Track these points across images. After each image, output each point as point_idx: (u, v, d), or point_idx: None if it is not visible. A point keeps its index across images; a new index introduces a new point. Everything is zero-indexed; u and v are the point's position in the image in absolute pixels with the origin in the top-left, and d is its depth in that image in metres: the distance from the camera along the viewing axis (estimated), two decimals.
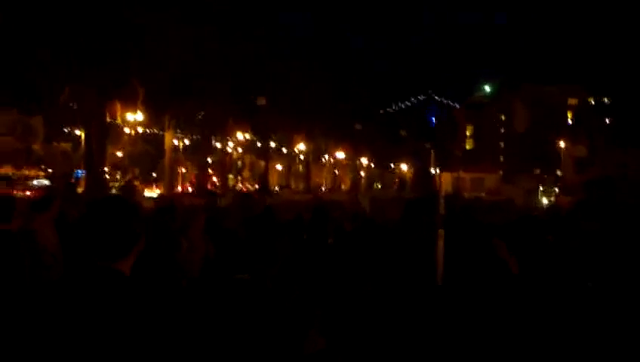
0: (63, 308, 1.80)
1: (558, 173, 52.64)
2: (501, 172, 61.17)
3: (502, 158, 72.42)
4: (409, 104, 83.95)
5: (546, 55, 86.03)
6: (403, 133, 72.43)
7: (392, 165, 79.41)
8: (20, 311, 2.17)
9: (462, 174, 54.07)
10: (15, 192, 27.95)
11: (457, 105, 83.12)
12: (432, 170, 61.61)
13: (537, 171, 53.51)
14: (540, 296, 4.04)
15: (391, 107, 79.52)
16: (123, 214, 1.93)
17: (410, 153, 69.59)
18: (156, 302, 1.91)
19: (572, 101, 67.53)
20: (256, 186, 45.81)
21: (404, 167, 77.16)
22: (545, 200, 35.86)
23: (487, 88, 78.23)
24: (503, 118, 75.40)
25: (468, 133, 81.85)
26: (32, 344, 1.81)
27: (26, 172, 43.20)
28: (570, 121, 66.57)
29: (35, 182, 38.36)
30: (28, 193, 28.42)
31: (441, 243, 4.63)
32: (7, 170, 42.28)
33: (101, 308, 1.77)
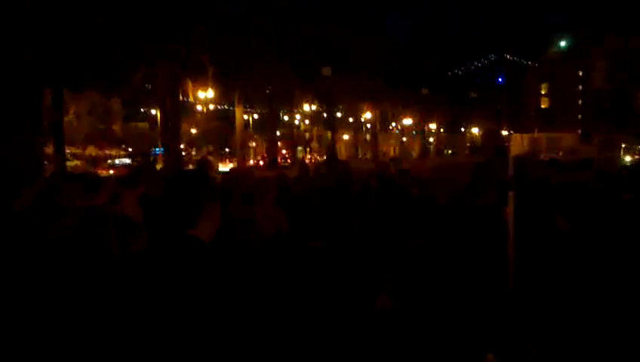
0: (149, 276, 1.97)
1: None
2: (579, 130, 58.25)
3: (580, 117, 68.84)
4: (479, 65, 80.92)
5: (627, 2, 79.88)
6: (473, 94, 70.03)
7: (463, 129, 77.25)
8: (109, 283, 2.42)
9: (537, 134, 51.92)
10: (100, 171, 29.77)
11: (530, 63, 79.28)
12: (505, 132, 59.53)
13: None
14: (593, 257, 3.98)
15: (459, 69, 77.01)
16: (190, 186, 2.08)
17: (482, 116, 67.35)
18: (231, 265, 2.06)
19: None
20: (324, 157, 46.17)
21: (475, 130, 74.94)
22: (628, 158, 33.90)
23: (563, 43, 73.97)
24: (580, 73, 71.33)
25: (543, 92, 78.13)
26: (125, 310, 2.00)
27: (108, 151, 45.69)
28: None
29: (116, 160, 40.52)
30: (111, 171, 30.16)
31: (511, 206, 4.57)
32: (91, 150, 44.88)
33: (179, 272, 1.92)
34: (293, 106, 42.64)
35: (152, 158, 33.94)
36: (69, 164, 29.48)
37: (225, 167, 33.25)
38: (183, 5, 24.17)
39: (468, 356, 2.77)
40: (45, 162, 19.07)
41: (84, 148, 43.75)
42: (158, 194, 2.33)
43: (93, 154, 44.35)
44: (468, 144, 76.36)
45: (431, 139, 72.30)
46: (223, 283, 1.96)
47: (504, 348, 2.93)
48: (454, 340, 3.43)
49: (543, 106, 76.58)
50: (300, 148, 53.25)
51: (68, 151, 31.93)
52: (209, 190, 2.12)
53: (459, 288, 3.86)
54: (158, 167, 25.38)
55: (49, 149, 23.48)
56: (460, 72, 75.90)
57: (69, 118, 35.84)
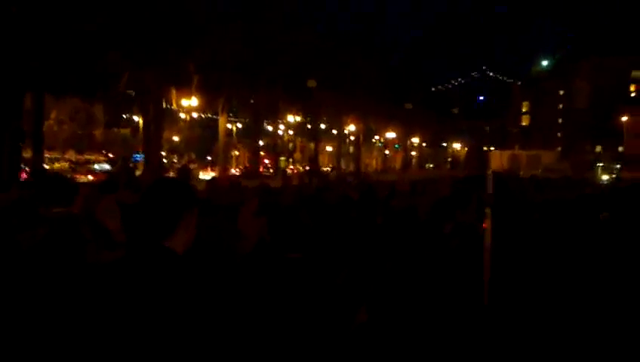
0: (121, 286, 1.92)
1: (620, 149, 50.47)
2: (559, 148, 59.19)
3: (559, 135, 69.96)
4: (462, 81, 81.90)
5: (608, 26, 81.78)
6: (455, 110, 70.94)
7: (445, 144, 78.07)
8: (82, 290, 2.38)
9: (517, 151, 52.61)
10: (78, 176, 29.40)
11: (512, 81, 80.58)
12: (486, 148, 60.21)
13: (598, 148, 51.44)
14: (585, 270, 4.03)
15: (443, 85, 77.94)
16: (166, 195, 2.03)
17: (463, 131, 68.17)
18: (206, 277, 2.00)
19: (636, 73, 64.29)
20: (307, 168, 46.26)
21: (457, 146, 75.79)
22: (605, 177, 34.49)
23: (545, 62, 75.34)
24: (561, 92, 72.59)
25: (524, 110, 79.35)
26: (93, 320, 1.95)
27: (87, 156, 45.21)
28: (633, 94, 63.47)
29: (96, 166, 40.08)
30: (90, 177, 29.81)
31: (488, 222, 4.62)
32: (71, 155, 44.36)
33: (151, 284, 1.88)
34: (277, 117, 42.70)
35: (132, 165, 33.59)
36: (47, 167, 29.07)
37: (206, 175, 33.07)
38: (168, 13, 24.12)
39: None
40: (23, 166, 18.80)
41: (64, 153, 43.25)
42: (135, 201, 2.29)
43: (73, 159, 43.84)
44: (449, 159, 77.15)
45: (413, 153, 72.90)
46: (195, 294, 1.92)
47: None
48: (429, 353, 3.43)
49: (523, 124, 77.72)
50: (282, 158, 53.26)
51: (47, 155, 31.51)
52: (186, 199, 2.06)
53: (434, 302, 3.88)
54: (138, 173, 25.20)
55: (27, 153, 23.16)
56: (443, 88, 76.80)
57: (50, 122, 35.44)
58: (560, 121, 72.48)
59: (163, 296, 1.88)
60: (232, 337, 2.03)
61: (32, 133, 22.71)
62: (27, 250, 2.87)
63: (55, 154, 40.48)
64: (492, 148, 54.26)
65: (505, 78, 78.12)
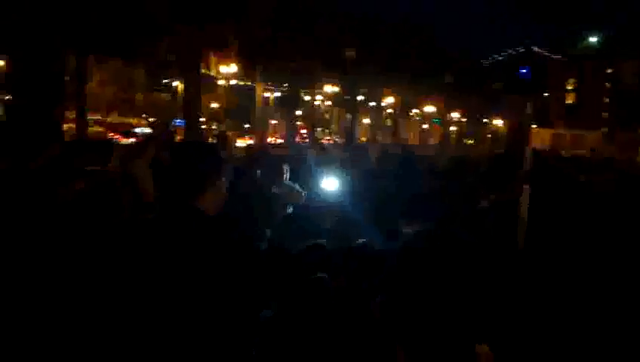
0: (152, 244, 1.99)
1: None
2: (605, 129, 57.29)
3: (606, 115, 67.61)
4: (505, 55, 79.76)
5: None
6: (498, 86, 69.20)
7: (486, 120, 76.41)
8: (114, 246, 2.44)
9: (561, 130, 51.15)
10: (119, 138, 30.12)
11: (558, 57, 78.01)
12: (528, 125, 58.50)
13: None
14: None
15: (485, 59, 75.93)
16: (194, 157, 2.09)
17: (505, 107, 66.53)
18: (235, 240, 2.04)
19: None
20: (343, 139, 46.07)
21: (498, 122, 74.10)
22: None
23: (592, 39, 72.51)
24: (609, 70, 69.87)
25: (569, 87, 76.81)
26: (122, 278, 2.03)
27: (130, 120, 46.14)
28: None
29: (137, 129, 40.90)
30: (131, 139, 30.47)
31: (525, 199, 4.51)
32: (113, 118, 45.34)
33: (180, 242, 1.93)
34: (314, 87, 42.49)
35: (172, 129, 34.16)
36: (90, 130, 29.80)
37: (244, 142, 33.35)
38: None
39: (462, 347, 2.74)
40: (66, 126, 19.33)
41: (106, 115, 44.20)
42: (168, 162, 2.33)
43: (115, 121, 44.80)
44: (489, 135, 75.57)
45: (453, 128, 71.67)
46: (223, 256, 1.94)
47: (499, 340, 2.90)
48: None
49: (568, 102, 75.35)
50: (319, 129, 53.16)
51: (90, 117, 32.25)
52: (214, 162, 2.10)
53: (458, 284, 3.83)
54: (178, 138, 25.60)
55: (71, 114, 23.75)
56: (485, 63, 74.88)
57: (93, 85, 36.14)
58: (606, 100, 69.96)
59: (191, 255, 1.91)
60: (251, 302, 2.04)
61: (75, 95, 23.25)
62: (64, 203, 2.97)
63: (97, 116, 41.44)
64: (534, 126, 52.92)
65: (550, 54, 75.73)
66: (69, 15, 15.82)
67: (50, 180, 3.23)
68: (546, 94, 69.26)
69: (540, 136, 41.20)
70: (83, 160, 4.21)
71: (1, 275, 2.49)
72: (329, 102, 52.70)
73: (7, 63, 14.71)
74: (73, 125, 23.82)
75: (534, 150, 5.93)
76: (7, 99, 13.84)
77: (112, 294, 2.22)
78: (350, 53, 35.52)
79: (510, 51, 71.58)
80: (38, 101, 12.46)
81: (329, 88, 43.59)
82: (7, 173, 3.27)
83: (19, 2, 13.14)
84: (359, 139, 51.97)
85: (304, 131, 49.32)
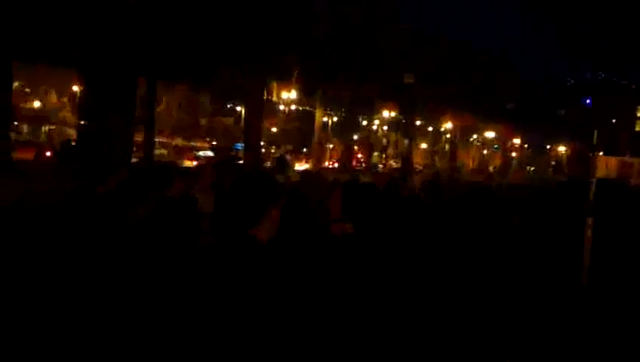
0: (209, 269, 2.07)
1: None
2: None
3: None
4: (571, 81, 77.45)
5: None
6: (562, 112, 67.10)
7: (548, 147, 74.02)
8: (174, 270, 2.61)
9: (628, 158, 48.90)
10: (182, 161, 31.19)
11: (626, 83, 74.94)
12: (592, 153, 56.20)
13: None
14: None
15: (550, 85, 73.90)
16: (252, 189, 2.18)
17: (569, 134, 64.28)
18: (288, 267, 2.14)
19: None
20: (395, 164, 45.81)
21: (561, 149, 71.67)
22: None
23: None
24: None
25: (638, 114, 73.42)
26: (183, 297, 2.11)
27: (193, 143, 47.71)
28: None
29: (200, 152, 42.24)
30: (194, 163, 31.55)
31: (589, 232, 4.40)
32: (178, 141, 47.05)
33: (235, 269, 2.01)
34: (373, 112, 42.71)
35: (233, 153, 35.08)
36: (156, 152, 31.09)
37: (301, 166, 33.84)
38: (275, 10, 24.97)
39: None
40: (134, 148, 20.31)
41: (172, 138, 45.93)
42: (228, 189, 2.50)
43: (180, 145, 46.46)
44: (552, 162, 73.13)
45: (513, 154, 69.87)
46: (276, 283, 2.06)
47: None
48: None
49: (637, 129, 71.96)
50: (375, 153, 53.14)
51: (157, 140, 33.66)
52: (272, 192, 2.22)
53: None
54: (239, 161, 26.33)
55: (139, 137, 24.90)
56: (550, 89, 72.87)
57: (160, 109, 37.79)
58: None
59: (245, 282, 2.02)
60: (305, 327, 2.16)
61: (144, 119, 24.42)
62: (132, 227, 3.28)
63: (163, 139, 43.16)
64: (600, 153, 50.77)
65: (617, 80, 72.89)
66: (140, 42, 16.80)
67: (118, 204, 3.54)
68: (614, 120, 66.55)
69: (606, 164, 39.53)
70: (148, 184, 4.51)
71: (73, 293, 2.78)
72: (386, 127, 52.72)
73: (81, 89, 15.71)
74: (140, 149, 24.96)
75: (599, 180, 5.76)
76: (82, 123, 14.73)
77: (169, 317, 2.42)
78: (408, 78, 35.60)
79: (575, 77, 69.47)
80: (111, 125, 13.16)
81: (386, 113, 43.69)
82: (78, 194, 3.60)
83: (93, 32, 14.04)
84: (416, 163, 51.55)
85: (360, 156, 49.47)
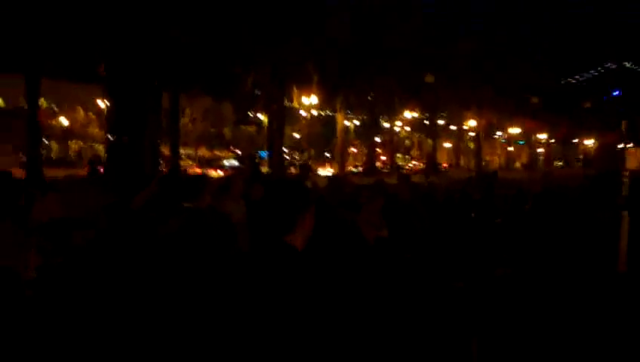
0: (244, 277, 2.09)
1: None
2: None
3: None
4: (595, 73, 75.81)
5: None
6: (587, 105, 65.83)
7: (575, 140, 72.71)
8: (209, 279, 2.65)
9: None
10: (210, 171, 31.55)
11: None
12: (621, 146, 55.08)
13: None
14: None
15: (574, 77, 72.63)
16: (284, 197, 2.17)
17: (596, 127, 63.03)
18: (323, 274, 2.14)
19: None
20: (421, 165, 45.53)
21: (589, 142, 70.35)
22: None
23: None
24: None
25: None
26: (218, 307, 2.14)
27: (217, 153, 48.24)
28: None
29: (225, 162, 42.68)
30: (220, 172, 31.88)
31: (625, 226, 4.37)
32: (202, 151, 47.63)
33: (272, 276, 2.02)
34: (394, 113, 42.57)
35: (257, 160, 35.30)
36: (182, 163, 31.54)
37: (325, 171, 33.91)
38: (291, 15, 25.17)
39: None
40: (160, 161, 20.65)
41: (196, 149, 46.52)
42: (259, 198, 2.54)
43: (205, 155, 47.02)
44: (580, 156, 71.88)
45: (540, 150, 68.83)
46: (313, 290, 2.06)
47: None
48: None
49: None
50: (399, 155, 52.94)
51: (182, 151, 34.13)
52: (305, 199, 2.22)
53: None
54: (264, 170, 26.52)
55: (165, 149, 25.31)
56: (574, 81, 71.55)
57: (185, 120, 38.31)
58: None
59: (282, 289, 2.03)
60: (342, 329, 2.13)
61: (169, 131, 24.81)
62: (163, 239, 3.36)
63: (188, 150, 43.73)
64: (629, 146, 49.41)
65: None
66: (162, 58, 17.12)
67: (151, 218, 3.63)
68: None
69: (633, 155, 38.60)
70: (178, 196, 4.61)
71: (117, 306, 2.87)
72: (408, 128, 52.48)
73: (109, 105, 16.06)
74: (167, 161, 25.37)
75: (632, 173, 5.67)
76: (109, 139, 15.04)
77: (205, 326, 2.46)
78: (429, 78, 35.42)
79: (600, 68, 68.05)
80: (139, 139, 13.41)
81: (408, 114, 43.50)
82: (113, 210, 3.71)
83: (117, 49, 14.34)
84: (441, 163, 51.17)
85: (384, 158, 49.34)
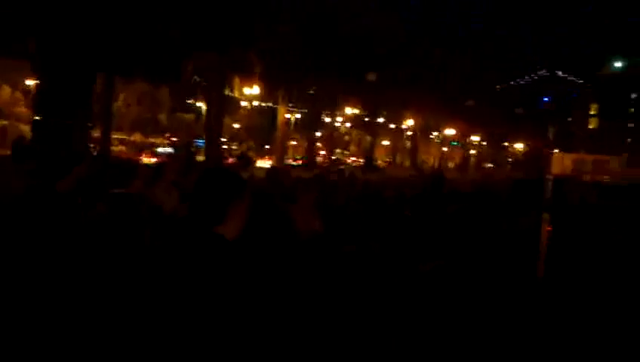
0: (171, 267, 2.02)
1: None
2: (626, 154, 56.30)
3: (629, 140, 66.64)
4: (529, 80, 79.35)
5: None
6: (519, 110, 68.84)
7: (506, 143, 75.92)
8: (135, 266, 2.53)
9: (582, 155, 50.48)
10: (143, 158, 30.58)
11: (582, 82, 77.43)
12: (548, 151, 57.87)
13: None
14: None
15: (507, 83, 75.72)
16: (215, 185, 2.11)
17: (526, 132, 66.05)
18: (254, 264, 2.08)
19: None
20: (361, 161, 46.07)
21: (519, 146, 73.59)
22: None
23: (617, 64, 71.81)
24: (633, 95, 69.08)
25: (592, 112, 76.02)
26: (142, 297, 2.12)
27: (152, 139, 46.88)
28: None
29: (159, 149, 41.52)
30: (153, 159, 30.96)
31: (544, 227, 4.51)
32: (137, 137, 46.14)
33: (200, 268, 1.96)
34: (336, 109, 42.83)
35: (194, 149, 34.56)
36: (113, 148, 30.39)
37: (264, 163, 33.63)
38: (235, 4, 24.72)
39: None
40: (91, 145, 19.77)
41: (130, 135, 45.02)
42: (191, 188, 2.43)
43: (138, 141, 45.56)
44: (509, 159, 75.02)
45: (472, 151, 71.31)
46: (243, 281, 2.00)
47: None
48: None
49: (590, 127, 74.53)
50: (338, 150, 53.36)
51: (114, 136, 32.90)
52: (239, 189, 2.15)
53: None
54: (200, 158, 25.97)
55: (97, 133, 24.29)
56: (507, 86, 74.62)
57: (118, 104, 36.95)
58: (631, 125, 69.05)
59: (211, 280, 1.96)
60: (273, 324, 2.10)
61: (101, 114, 23.82)
62: (89, 224, 3.15)
63: (122, 136, 42.23)
64: (556, 151, 52.13)
65: (573, 79, 75.13)
66: (97, 37, 16.35)
67: (77, 202, 3.39)
68: (569, 119, 68.69)
69: (562, 161, 40.65)
70: (107, 181, 4.35)
71: (29, 289, 2.66)
72: (348, 124, 52.99)
73: (37, 84, 15.19)
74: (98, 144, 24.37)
75: (555, 177, 5.93)
76: (36, 119, 14.21)
77: (127, 315, 2.32)
78: (371, 76, 35.83)
79: (533, 75, 71.27)
80: (67, 121, 12.78)
81: (349, 110, 43.88)
82: (36, 191, 3.44)
83: (49, 25, 13.58)
84: (378, 160, 52.01)
85: (324, 152, 49.57)
